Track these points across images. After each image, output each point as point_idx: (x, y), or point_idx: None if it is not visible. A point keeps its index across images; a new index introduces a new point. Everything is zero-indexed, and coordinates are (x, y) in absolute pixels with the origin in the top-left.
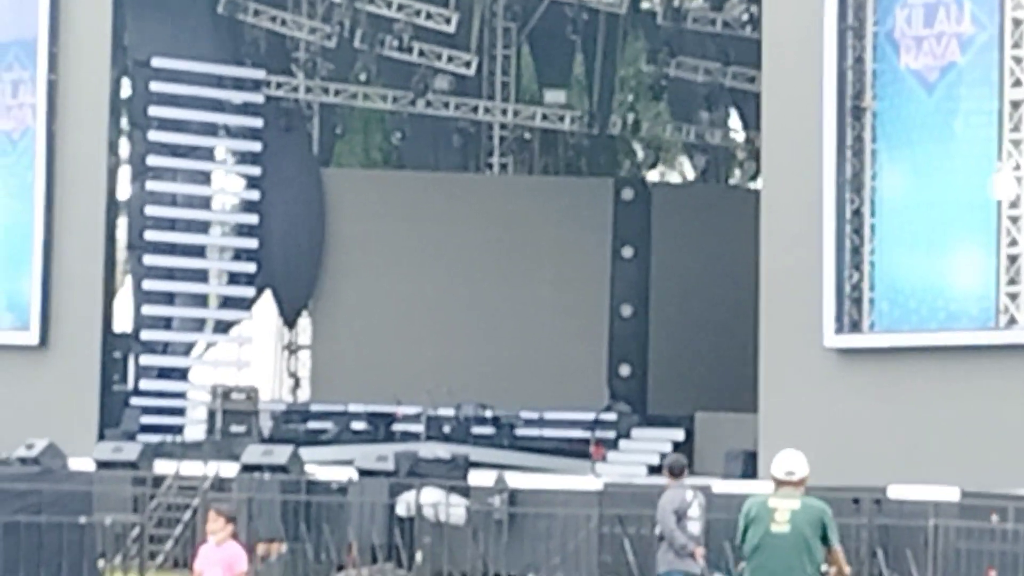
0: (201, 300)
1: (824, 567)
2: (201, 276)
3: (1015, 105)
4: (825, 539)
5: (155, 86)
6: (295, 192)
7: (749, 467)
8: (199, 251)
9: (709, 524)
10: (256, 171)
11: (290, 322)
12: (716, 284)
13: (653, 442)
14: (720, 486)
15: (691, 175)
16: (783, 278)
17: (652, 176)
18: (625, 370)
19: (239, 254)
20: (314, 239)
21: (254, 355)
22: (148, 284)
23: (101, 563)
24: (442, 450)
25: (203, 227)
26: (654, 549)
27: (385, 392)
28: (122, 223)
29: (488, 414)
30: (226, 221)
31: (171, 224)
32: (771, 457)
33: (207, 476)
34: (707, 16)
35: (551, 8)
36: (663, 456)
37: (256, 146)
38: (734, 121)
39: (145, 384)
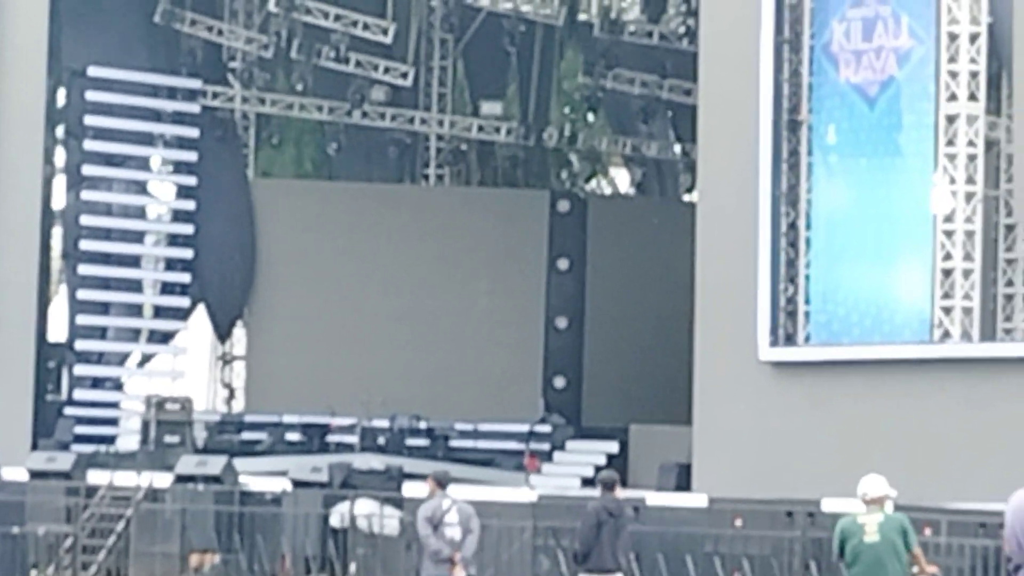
0: (136, 310)
1: (913, 569)
2: (136, 286)
3: (950, 119)
4: (907, 544)
5: (91, 95)
6: (228, 203)
7: (683, 480)
8: (134, 261)
9: (639, 537)
10: (192, 181)
11: (223, 335)
12: (651, 296)
13: (587, 454)
14: (654, 498)
15: (626, 188)
16: (718, 291)
17: (588, 188)
18: (560, 382)
19: (174, 264)
20: (245, 251)
21: (188, 366)
22: (83, 294)
23: (33, 573)
24: (376, 461)
25: (138, 237)
26: None
27: (319, 403)
28: (57, 232)
29: (422, 425)
30: (161, 231)
31: (106, 234)
32: (705, 469)
33: (141, 487)
34: (644, 28)
35: (488, 20)
36: (597, 469)
37: (192, 156)
38: (670, 133)
39: (79, 394)
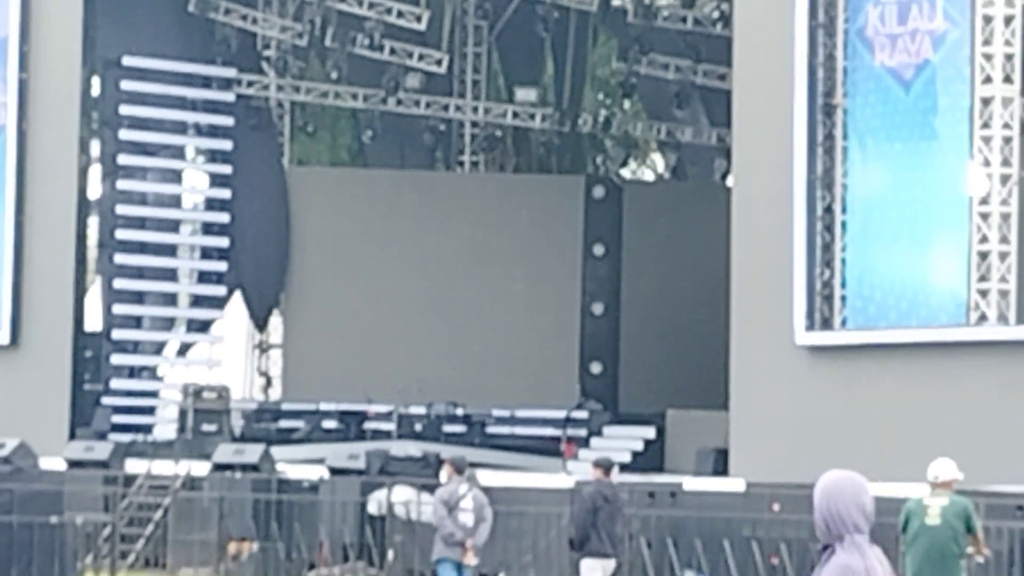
0: (172, 299)
1: (969, 549)
2: (172, 275)
3: (985, 102)
4: (970, 528)
5: (126, 85)
6: (263, 191)
7: (720, 464)
8: (170, 250)
9: (676, 521)
10: (227, 169)
11: (260, 323)
12: (687, 282)
13: (624, 440)
14: (691, 483)
15: (661, 173)
16: (754, 275)
17: (623, 174)
18: (596, 368)
19: (210, 253)
20: (280, 240)
21: (225, 354)
22: (119, 283)
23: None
24: (413, 448)
25: (174, 226)
26: (625, 547)
27: (357, 391)
28: (93, 222)
29: (459, 412)
30: (197, 220)
31: (142, 223)
32: (742, 454)
33: (178, 475)
34: (678, 14)
35: (522, 6)
36: (635, 455)
37: (227, 144)
38: (705, 118)
39: (116, 383)
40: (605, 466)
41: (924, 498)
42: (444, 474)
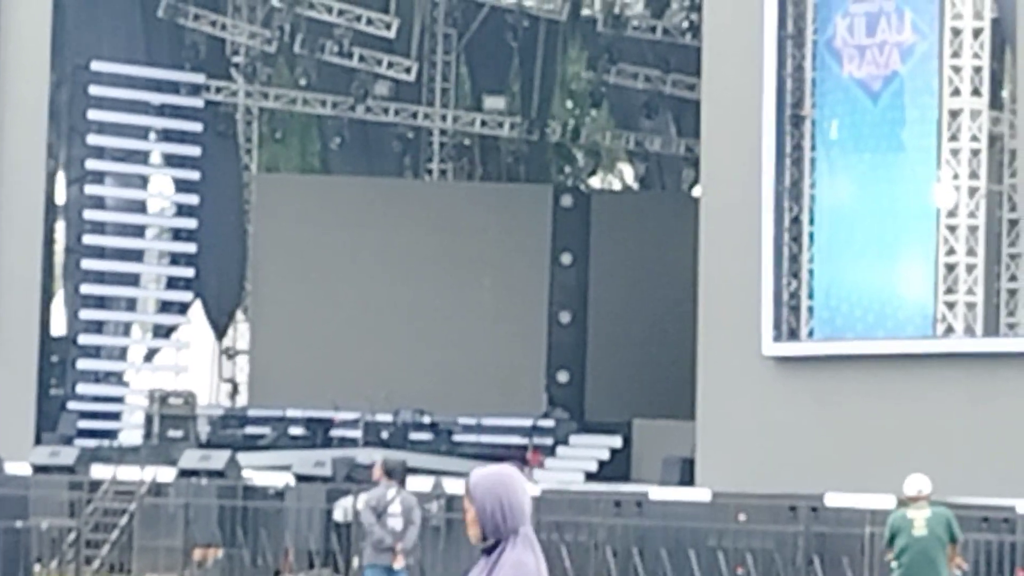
0: (139, 304)
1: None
2: (139, 280)
3: (954, 114)
4: (953, 537)
5: (94, 90)
6: (226, 198)
7: (686, 474)
8: (137, 255)
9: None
10: (195, 176)
11: (219, 331)
12: (655, 291)
13: (591, 449)
14: (657, 493)
15: (630, 183)
16: (722, 285)
17: (591, 183)
18: (563, 377)
19: (177, 258)
20: (236, 248)
21: (192, 360)
22: (86, 288)
23: (37, 568)
24: (380, 456)
25: (141, 231)
26: (591, 556)
27: (323, 398)
28: (60, 227)
29: (426, 420)
30: (164, 225)
31: (109, 228)
32: (709, 464)
33: (144, 481)
34: (647, 23)
35: (491, 15)
36: (601, 464)
37: (195, 151)
38: (673, 129)
39: (83, 388)
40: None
41: (907, 512)
42: (375, 474)
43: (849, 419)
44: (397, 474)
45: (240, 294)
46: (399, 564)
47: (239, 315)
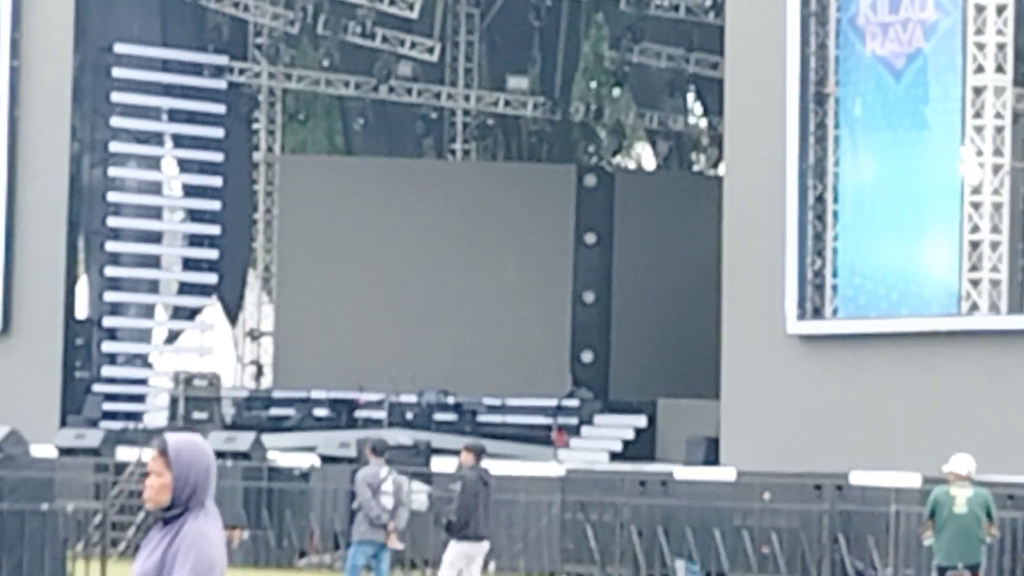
0: (163, 287)
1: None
2: (163, 263)
3: (977, 91)
4: (989, 516)
5: (117, 72)
6: (248, 180)
7: (711, 453)
8: (160, 237)
9: (667, 510)
10: (218, 157)
11: (232, 315)
12: (678, 271)
13: (615, 428)
14: (682, 472)
15: (653, 161)
16: (745, 265)
17: (615, 162)
18: (587, 356)
19: (200, 240)
20: (243, 232)
21: (216, 341)
22: (110, 271)
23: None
24: (404, 436)
25: (164, 213)
26: (616, 536)
27: (347, 379)
28: (84, 209)
29: (450, 400)
30: (187, 207)
31: (132, 211)
32: (733, 443)
33: None
34: (670, 2)
35: None
36: (626, 443)
37: (218, 132)
38: (697, 107)
39: (107, 371)
40: (476, 451)
41: (949, 489)
42: (366, 454)
43: (874, 397)
44: (383, 452)
45: (244, 277)
46: (394, 543)
47: (263, 297)
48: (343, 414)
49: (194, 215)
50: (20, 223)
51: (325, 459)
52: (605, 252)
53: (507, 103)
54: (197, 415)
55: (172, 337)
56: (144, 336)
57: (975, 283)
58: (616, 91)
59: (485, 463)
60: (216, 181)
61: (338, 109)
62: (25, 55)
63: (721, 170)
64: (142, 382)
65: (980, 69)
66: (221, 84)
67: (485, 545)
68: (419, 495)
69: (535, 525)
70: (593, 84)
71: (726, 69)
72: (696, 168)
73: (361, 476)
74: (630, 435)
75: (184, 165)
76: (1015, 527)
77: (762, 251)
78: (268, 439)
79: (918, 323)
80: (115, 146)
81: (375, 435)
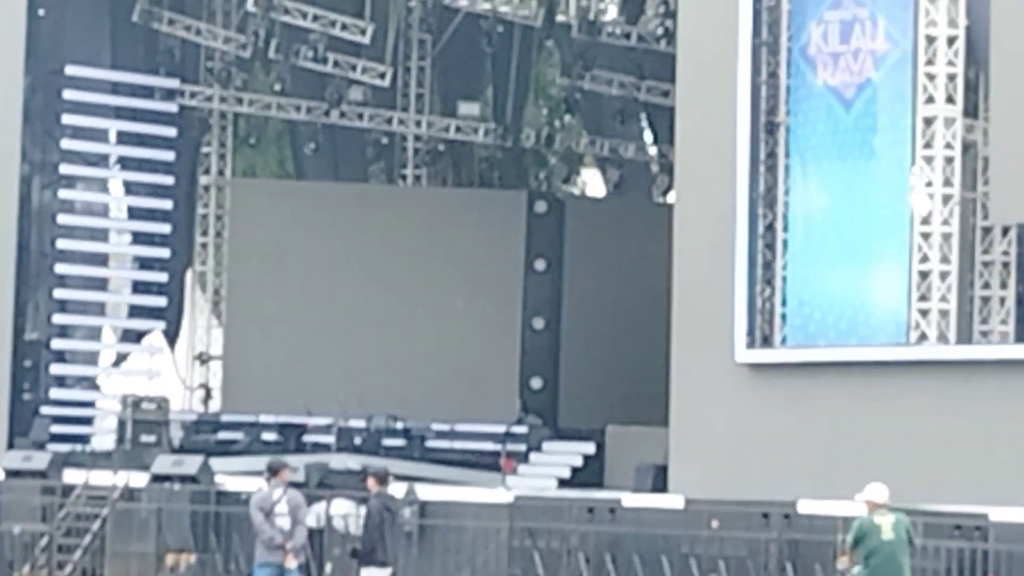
0: (112, 309)
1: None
2: (112, 285)
3: (928, 122)
4: (911, 539)
5: (68, 94)
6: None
7: (659, 481)
8: (110, 260)
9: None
10: (169, 180)
11: (171, 338)
12: (629, 298)
13: (564, 455)
14: (630, 500)
15: (604, 189)
16: (695, 292)
17: (566, 189)
18: (537, 383)
19: (150, 263)
20: (181, 255)
21: (164, 365)
22: (59, 293)
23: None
24: (353, 462)
25: (115, 236)
26: (564, 563)
27: (296, 403)
28: (33, 231)
29: (399, 426)
30: (137, 230)
31: (82, 233)
32: (682, 471)
33: (116, 486)
34: (622, 29)
35: (466, 20)
36: (574, 470)
37: (169, 155)
38: (647, 135)
39: (55, 393)
40: (380, 476)
41: (873, 517)
42: (265, 476)
43: (822, 426)
44: (277, 472)
45: (181, 302)
46: (291, 563)
47: (213, 320)
48: (291, 438)
49: (144, 238)
50: None
51: None
52: (555, 278)
53: (458, 129)
54: (145, 438)
55: (120, 360)
56: (92, 359)
57: (924, 313)
58: (567, 118)
59: (425, 489)
60: (166, 204)
61: (289, 133)
62: None
63: (671, 198)
64: (90, 404)
65: (930, 100)
66: (172, 107)
67: (388, 571)
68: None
69: (483, 552)
70: (544, 111)
71: (677, 97)
72: (647, 195)
73: (254, 501)
74: (578, 462)
75: (134, 188)
76: (962, 557)
77: (712, 279)
78: (216, 463)
79: (867, 352)
80: (65, 168)
81: (323, 460)
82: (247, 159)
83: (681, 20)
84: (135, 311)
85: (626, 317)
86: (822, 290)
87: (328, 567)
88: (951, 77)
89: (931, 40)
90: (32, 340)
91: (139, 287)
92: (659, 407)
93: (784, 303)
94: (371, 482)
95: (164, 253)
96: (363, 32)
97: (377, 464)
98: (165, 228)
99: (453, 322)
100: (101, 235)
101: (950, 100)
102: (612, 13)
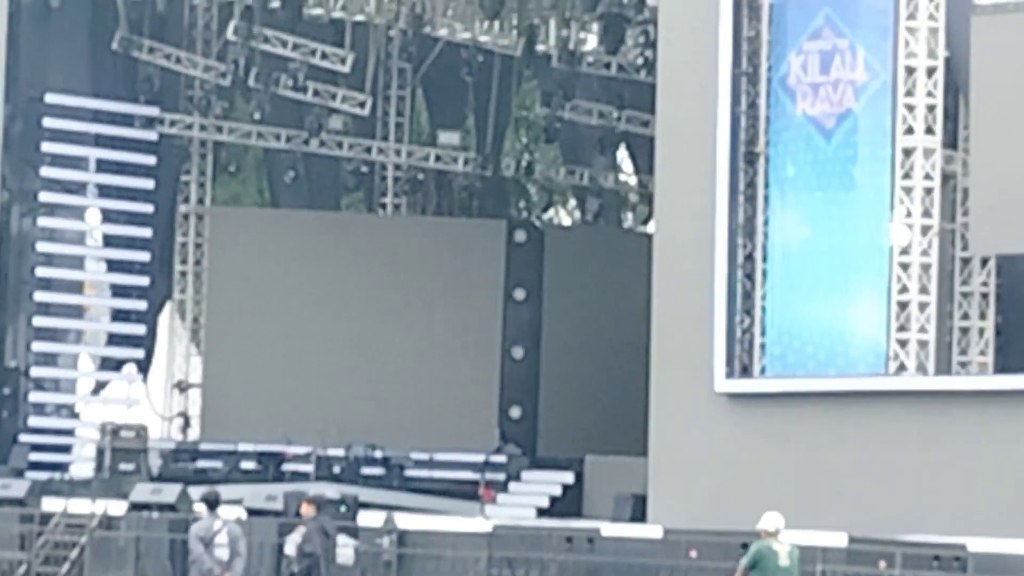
0: (91, 337)
1: None
2: (92, 313)
3: (907, 152)
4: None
5: (48, 122)
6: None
7: (638, 510)
8: (91, 288)
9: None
10: (149, 208)
11: (143, 369)
12: (608, 327)
13: (543, 484)
14: (609, 529)
15: (583, 218)
16: (675, 322)
17: (545, 218)
18: (516, 412)
19: (129, 291)
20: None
21: (139, 394)
22: (38, 320)
23: None
24: (331, 490)
25: (94, 263)
26: None
27: (275, 432)
28: (12, 259)
29: (378, 454)
30: (116, 259)
31: (61, 261)
32: (660, 500)
33: (95, 514)
34: (602, 60)
35: (446, 50)
36: (553, 499)
37: (149, 183)
38: (627, 165)
39: (34, 421)
40: (317, 503)
41: (770, 544)
42: (198, 508)
43: (801, 456)
44: (215, 505)
45: (155, 330)
46: None
47: (192, 348)
48: (270, 467)
49: (123, 266)
50: None
51: (252, 512)
52: (534, 308)
53: (438, 158)
54: (124, 466)
55: (99, 388)
56: (72, 387)
57: (903, 343)
58: (547, 147)
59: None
60: (145, 232)
61: (269, 162)
62: None
63: (651, 227)
64: (69, 432)
65: (910, 130)
66: (152, 135)
67: None
68: (346, 549)
69: None
70: (524, 140)
71: (657, 127)
72: (626, 225)
73: (193, 531)
74: (557, 491)
75: (113, 216)
76: None
77: (691, 309)
78: (195, 491)
79: (846, 383)
80: (45, 196)
81: (303, 488)
82: (227, 187)
83: (661, 50)
84: (114, 339)
85: (605, 346)
86: (801, 320)
87: None
88: (931, 108)
89: (911, 71)
90: (11, 368)
91: (118, 315)
92: (638, 436)
93: (763, 333)
94: (305, 508)
95: (143, 281)
96: (343, 61)
97: (314, 491)
98: (144, 256)
99: (432, 351)
100: (80, 263)
101: (929, 131)
102: (592, 43)
